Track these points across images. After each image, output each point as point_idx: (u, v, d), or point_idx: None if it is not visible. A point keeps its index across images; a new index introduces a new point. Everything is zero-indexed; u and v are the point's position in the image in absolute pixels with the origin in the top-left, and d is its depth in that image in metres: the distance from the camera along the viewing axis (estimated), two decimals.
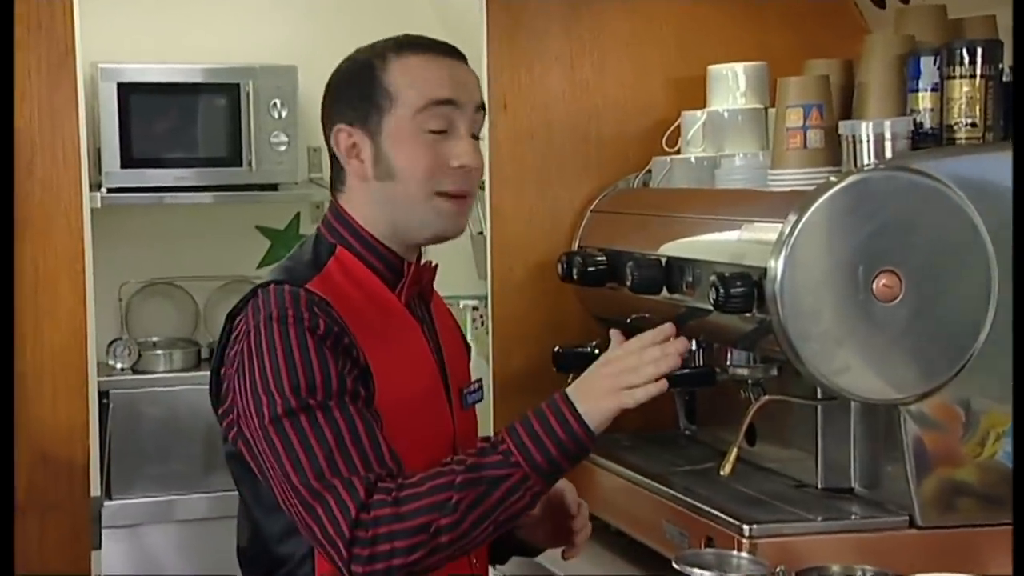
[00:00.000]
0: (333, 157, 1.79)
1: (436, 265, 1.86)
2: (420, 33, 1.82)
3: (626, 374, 1.67)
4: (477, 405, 1.90)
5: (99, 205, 3.71)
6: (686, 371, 2.36)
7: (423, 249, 1.85)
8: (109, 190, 3.83)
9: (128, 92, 3.84)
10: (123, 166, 3.85)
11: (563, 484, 1.91)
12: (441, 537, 1.57)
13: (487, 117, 2.68)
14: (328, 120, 1.78)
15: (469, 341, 3.55)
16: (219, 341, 1.74)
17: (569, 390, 1.68)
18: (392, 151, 1.73)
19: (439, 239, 1.78)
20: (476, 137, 1.78)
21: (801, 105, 2.17)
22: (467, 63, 1.79)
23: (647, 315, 2.44)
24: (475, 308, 3.73)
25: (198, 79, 3.93)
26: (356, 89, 1.74)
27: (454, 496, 1.58)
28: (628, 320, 2.53)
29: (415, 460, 1.67)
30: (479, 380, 1.92)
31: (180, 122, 3.92)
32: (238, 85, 3.93)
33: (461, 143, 1.74)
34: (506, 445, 1.63)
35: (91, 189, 3.41)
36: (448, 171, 1.73)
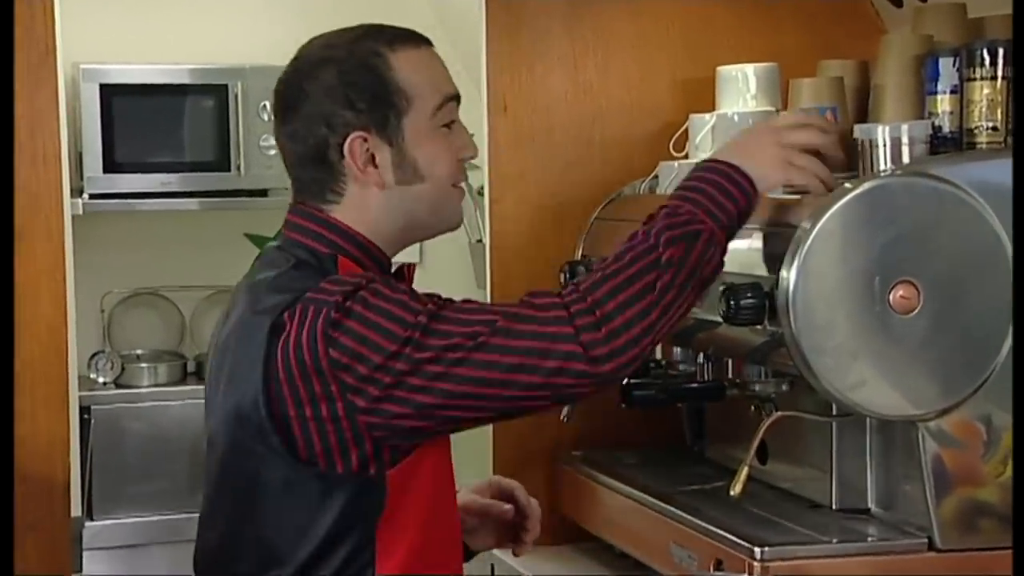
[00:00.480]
0: (319, 165, 1.74)
1: (414, 265, 1.88)
2: (423, 33, 1.84)
3: (792, 145, 1.80)
4: None
5: (80, 212, 3.72)
6: (694, 386, 2.37)
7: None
8: (91, 196, 3.84)
9: (111, 94, 3.84)
10: (106, 171, 3.86)
11: (511, 483, 1.94)
12: (667, 295, 1.66)
13: (486, 120, 2.72)
14: (316, 128, 1.73)
15: None
16: (261, 354, 1.64)
17: (735, 155, 1.78)
18: (417, 152, 1.75)
19: (449, 231, 1.84)
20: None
21: (815, 108, 2.17)
22: (431, 44, 1.83)
23: None
24: None
25: (185, 80, 3.94)
26: (363, 92, 1.72)
27: (663, 253, 1.67)
28: None
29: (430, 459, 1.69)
30: None
31: (166, 125, 3.93)
32: (226, 86, 3.93)
33: (464, 134, 1.81)
34: (688, 207, 1.72)
35: (72, 195, 3.40)
36: (459, 164, 1.80)
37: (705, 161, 1.80)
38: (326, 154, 1.74)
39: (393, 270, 1.82)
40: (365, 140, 1.73)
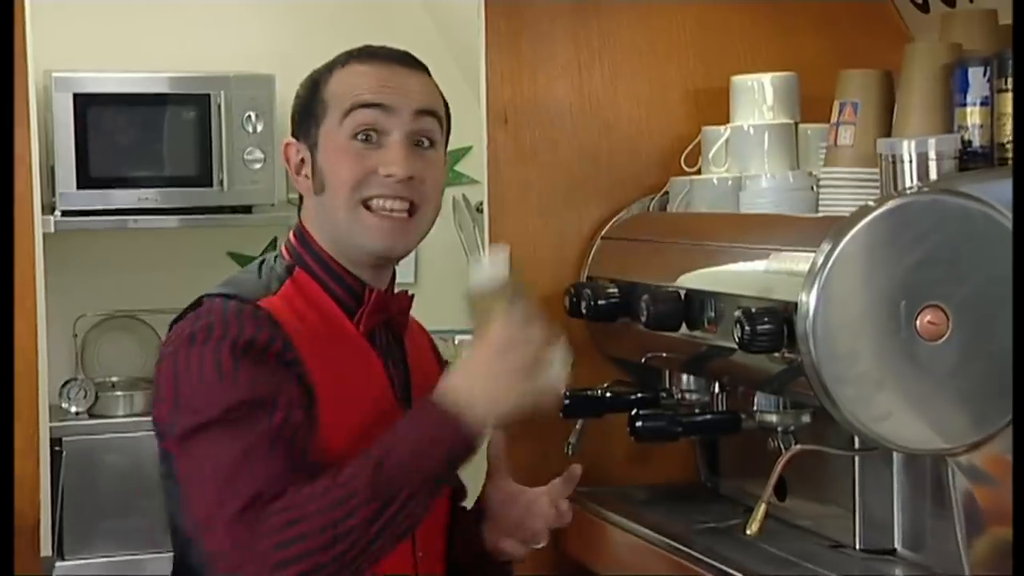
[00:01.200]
0: None
1: (412, 295, 1.89)
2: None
3: (510, 371, 1.71)
4: None
5: (52, 230, 3.72)
6: (708, 417, 2.37)
7: (396, 277, 1.88)
8: (64, 213, 3.84)
9: (85, 104, 3.85)
10: (80, 186, 3.85)
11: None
12: (347, 554, 1.61)
13: (486, 132, 2.73)
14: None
15: None
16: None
17: (455, 396, 1.68)
18: (323, 162, 1.81)
19: (374, 256, 1.82)
20: (424, 145, 1.82)
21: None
22: (422, 71, 1.84)
23: (664, 354, 2.44)
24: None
25: (164, 89, 3.94)
26: (301, 103, 1.85)
27: (357, 511, 1.62)
28: (643, 360, 2.53)
29: None
30: None
31: (143, 137, 3.93)
32: (208, 96, 3.94)
33: (391, 151, 1.79)
34: (396, 461, 1.65)
35: (44, 212, 3.41)
36: (376, 180, 1.79)
37: (427, 402, 1.70)
38: None
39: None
40: (297, 150, 1.84)
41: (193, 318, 1.74)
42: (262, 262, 1.86)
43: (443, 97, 1.86)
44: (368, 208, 1.79)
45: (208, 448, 1.65)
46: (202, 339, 1.69)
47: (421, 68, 1.85)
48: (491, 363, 1.70)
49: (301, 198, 1.88)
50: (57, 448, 3.72)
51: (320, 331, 1.77)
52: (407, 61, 1.84)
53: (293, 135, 1.86)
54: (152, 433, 1.78)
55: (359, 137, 1.79)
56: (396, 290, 1.88)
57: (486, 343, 1.71)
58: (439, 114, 1.83)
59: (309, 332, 1.75)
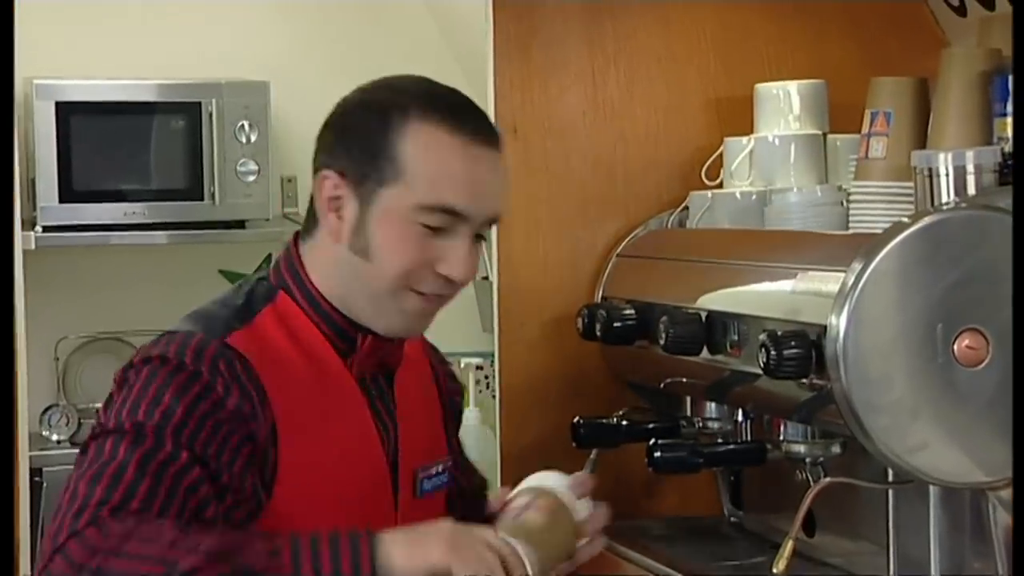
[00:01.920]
0: (311, 194, 1.80)
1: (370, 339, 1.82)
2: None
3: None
4: (439, 490, 1.89)
5: (33, 246, 3.73)
6: (731, 447, 2.36)
7: None
8: (45, 228, 3.85)
9: (68, 112, 3.86)
10: (62, 200, 3.86)
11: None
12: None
13: None
14: (320, 155, 1.78)
15: (472, 407, 3.58)
16: None
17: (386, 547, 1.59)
18: (377, 229, 1.74)
19: (392, 336, 1.80)
20: (481, 237, 1.78)
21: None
22: (498, 145, 1.77)
23: (684, 380, 2.44)
24: (479, 367, 3.72)
25: (152, 97, 3.95)
26: (361, 138, 1.75)
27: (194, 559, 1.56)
28: (661, 386, 2.52)
29: None
30: (444, 462, 1.90)
31: (130, 148, 3.94)
32: (199, 104, 3.95)
33: (458, 248, 1.74)
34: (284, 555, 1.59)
35: (24, 227, 3.42)
36: (431, 274, 1.75)
37: (361, 537, 1.60)
38: (315, 183, 1.80)
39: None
40: (336, 186, 1.75)
41: (155, 343, 1.72)
42: (239, 285, 1.82)
43: None
44: (413, 291, 1.75)
45: (105, 448, 1.64)
46: (157, 364, 1.68)
47: (498, 141, 1.77)
48: (443, 547, 1.59)
49: (306, 221, 1.80)
50: (37, 479, 3.72)
51: (301, 366, 1.74)
52: (490, 133, 1.77)
53: (329, 158, 1.76)
54: None
55: (428, 225, 1.72)
56: None
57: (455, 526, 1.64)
58: (498, 217, 1.79)
59: (287, 366, 1.72)
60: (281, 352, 1.74)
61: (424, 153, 1.72)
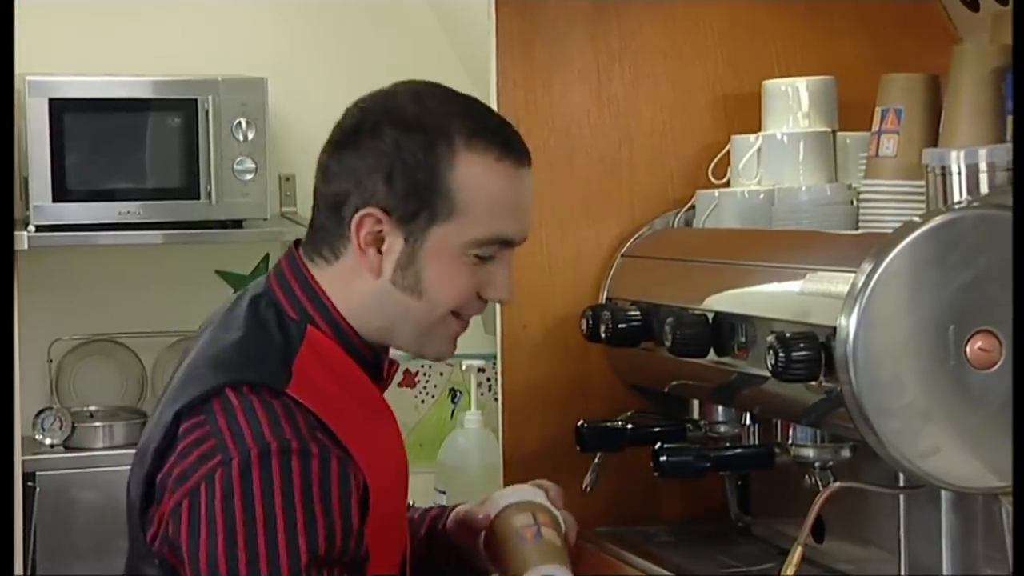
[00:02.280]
0: (332, 214, 1.75)
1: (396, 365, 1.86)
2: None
3: None
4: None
5: (26, 246, 3.73)
6: (738, 451, 2.36)
7: None
8: (38, 228, 3.84)
9: (62, 110, 3.86)
10: (55, 199, 3.86)
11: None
12: None
13: None
14: (344, 181, 1.74)
15: (474, 410, 3.58)
16: (159, 438, 1.69)
17: None
18: (428, 264, 1.73)
19: (437, 360, 1.86)
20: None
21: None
22: (531, 160, 1.78)
23: (690, 382, 2.44)
24: (481, 370, 3.72)
25: (147, 94, 3.95)
26: (406, 172, 1.71)
27: None
28: (667, 388, 2.52)
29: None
30: None
31: (125, 146, 3.94)
32: (195, 101, 3.95)
33: (503, 272, 1.76)
34: None
35: (16, 227, 3.42)
36: (476, 300, 1.77)
37: None
38: (342, 209, 1.74)
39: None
40: (379, 222, 1.72)
41: (234, 423, 1.63)
42: (253, 314, 1.75)
43: None
44: (455, 317, 1.77)
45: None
46: (278, 456, 1.60)
47: (530, 161, 1.79)
48: None
49: (322, 242, 1.76)
50: (30, 483, 3.72)
51: (349, 403, 1.73)
52: (527, 155, 1.77)
53: (366, 193, 1.70)
54: (127, 468, 1.78)
55: (480, 256, 1.74)
56: None
57: None
58: None
59: (340, 409, 1.70)
60: (330, 395, 1.71)
61: (478, 187, 1.71)
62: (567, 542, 1.85)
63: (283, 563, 1.58)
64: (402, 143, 1.71)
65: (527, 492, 1.87)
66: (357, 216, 1.72)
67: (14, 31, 2.27)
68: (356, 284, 1.75)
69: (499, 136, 1.74)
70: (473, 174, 1.71)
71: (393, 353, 1.85)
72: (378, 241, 1.73)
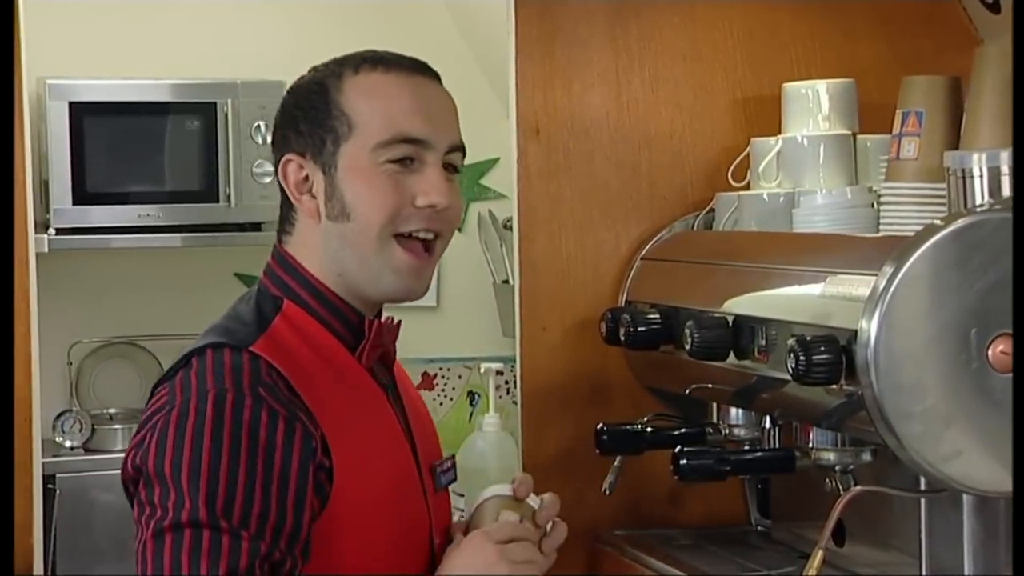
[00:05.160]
0: (283, 193, 1.82)
1: (399, 323, 1.88)
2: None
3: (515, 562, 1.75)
4: (453, 487, 1.94)
5: (46, 249, 3.73)
6: (758, 454, 2.36)
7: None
8: (58, 231, 3.85)
9: (82, 113, 3.86)
10: (75, 202, 3.87)
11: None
12: None
13: (515, 144, 2.73)
14: (277, 149, 1.83)
15: (492, 413, 3.58)
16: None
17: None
18: (347, 186, 1.77)
19: (392, 300, 1.82)
20: (454, 169, 1.82)
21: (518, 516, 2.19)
22: (438, 78, 1.83)
23: (710, 385, 2.43)
24: (499, 372, 3.72)
25: (166, 97, 3.96)
26: (307, 113, 1.80)
27: None
28: (687, 392, 2.52)
29: (390, 561, 1.72)
30: (451, 457, 1.94)
31: (144, 149, 3.94)
32: (214, 104, 3.95)
33: (430, 178, 1.78)
34: None
35: (37, 230, 3.42)
36: (412, 210, 1.78)
37: None
38: (279, 181, 1.83)
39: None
40: (301, 167, 1.79)
41: (188, 377, 1.70)
42: (242, 299, 1.82)
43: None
44: (399, 245, 1.77)
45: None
46: (213, 404, 1.66)
47: (440, 80, 1.83)
48: (488, 555, 1.73)
49: (283, 219, 1.83)
50: (50, 486, 3.73)
51: (323, 370, 1.75)
52: (432, 75, 1.82)
53: (285, 146, 1.80)
54: None
55: (393, 160, 1.76)
56: (386, 314, 1.86)
57: (485, 536, 1.74)
58: (463, 148, 1.83)
59: (311, 373, 1.73)
60: (301, 357, 1.74)
61: (368, 98, 1.78)
62: (538, 524, 1.85)
63: (187, 508, 1.62)
64: (299, 94, 1.83)
65: (493, 489, 1.86)
66: (280, 169, 1.80)
67: (13, 36, 2.27)
68: (308, 238, 1.80)
69: (389, 57, 1.81)
70: (362, 89, 1.78)
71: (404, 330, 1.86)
72: (307, 186, 1.79)
